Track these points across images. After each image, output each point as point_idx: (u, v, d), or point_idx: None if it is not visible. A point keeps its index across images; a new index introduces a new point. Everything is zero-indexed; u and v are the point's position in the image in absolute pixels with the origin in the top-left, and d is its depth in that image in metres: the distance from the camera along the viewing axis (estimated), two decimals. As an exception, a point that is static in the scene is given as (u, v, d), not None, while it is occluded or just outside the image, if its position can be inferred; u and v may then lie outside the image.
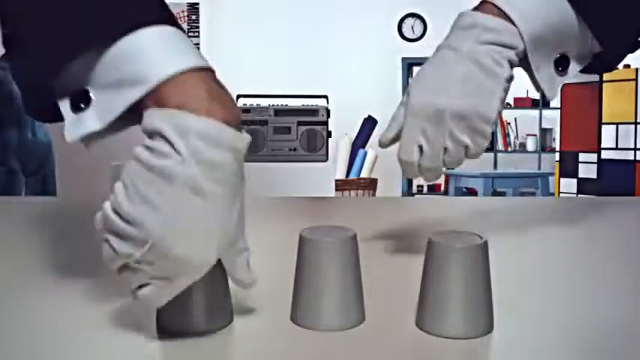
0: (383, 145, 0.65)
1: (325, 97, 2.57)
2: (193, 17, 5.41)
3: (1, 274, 0.60)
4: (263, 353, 0.40)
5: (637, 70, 4.04)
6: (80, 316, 0.46)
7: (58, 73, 0.43)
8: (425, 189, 5.34)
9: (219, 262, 0.41)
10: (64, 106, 0.44)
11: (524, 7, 0.59)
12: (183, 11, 5.41)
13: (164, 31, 0.42)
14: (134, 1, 0.43)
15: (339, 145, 4.20)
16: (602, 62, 0.65)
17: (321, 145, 2.43)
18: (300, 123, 2.42)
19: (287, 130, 2.41)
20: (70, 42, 0.42)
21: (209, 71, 0.42)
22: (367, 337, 0.42)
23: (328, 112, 2.46)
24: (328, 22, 5.33)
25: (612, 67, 0.67)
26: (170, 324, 0.42)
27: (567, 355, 0.41)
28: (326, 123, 2.44)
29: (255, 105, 2.47)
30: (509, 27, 0.59)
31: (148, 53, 0.41)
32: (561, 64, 0.63)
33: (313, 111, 2.44)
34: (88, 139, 0.44)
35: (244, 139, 0.40)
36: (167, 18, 0.44)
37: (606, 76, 4.21)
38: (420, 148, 0.61)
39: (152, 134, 0.39)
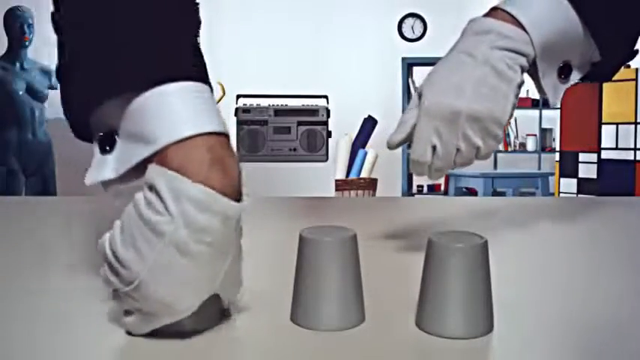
0: (392, 147, 0.65)
1: (325, 97, 2.57)
2: (193, 17, 5.41)
3: (0, 274, 0.60)
4: (263, 353, 0.40)
5: (637, 70, 4.04)
6: (80, 316, 0.46)
7: (92, 110, 0.45)
8: (425, 189, 5.34)
9: None
10: (95, 145, 0.46)
11: (535, 15, 0.61)
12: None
13: (188, 88, 0.43)
14: (173, 53, 0.44)
15: (339, 145, 4.20)
16: (600, 71, 0.67)
17: (321, 145, 2.43)
18: (300, 123, 2.42)
19: (287, 130, 2.41)
20: (107, 82, 0.44)
21: (221, 136, 0.43)
22: (367, 337, 0.42)
23: (328, 112, 2.46)
24: (328, 22, 5.33)
25: (609, 77, 0.68)
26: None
27: (567, 355, 0.41)
28: (326, 123, 2.45)
29: (255, 105, 2.47)
30: (522, 34, 0.60)
31: (165, 113, 0.42)
32: (563, 72, 0.65)
33: (313, 111, 2.44)
34: (106, 184, 0.45)
35: (237, 207, 0.41)
36: (200, 74, 0.45)
37: (606, 76, 4.21)
38: (433, 148, 0.62)
39: (150, 187, 0.41)
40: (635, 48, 0.67)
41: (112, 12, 0.44)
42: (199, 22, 0.48)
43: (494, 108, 0.60)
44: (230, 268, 0.42)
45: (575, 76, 0.66)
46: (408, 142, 0.64)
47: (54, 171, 3.46)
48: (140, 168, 0.43)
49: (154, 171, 0.41)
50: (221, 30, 5.35)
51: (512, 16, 0.61)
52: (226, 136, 0.43)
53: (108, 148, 0.45)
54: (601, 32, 0.63)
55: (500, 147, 5.31)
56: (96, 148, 0.46)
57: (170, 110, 0.42)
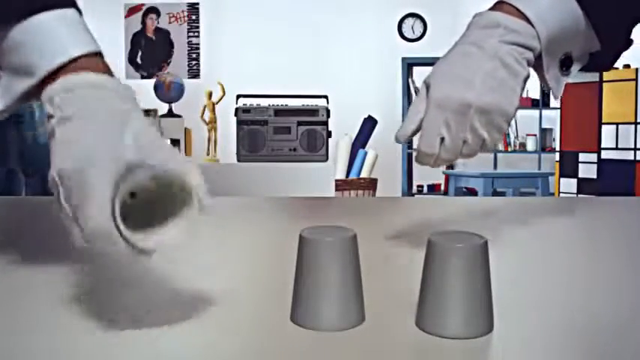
0: (401, 140, 0.65)
1: (325, 97, 2.57)
2: (193, 17, 5.42)
3: (0, 273, 0.60)
4: (263, 353, 0.40)
5: (637, 70, 4.05)
6: (80, 316, 0.46)
7: None
8: (425, 189, 5.34)
9: None
10: None
11: (541, 9, 0.62)
12: (183, 11, 5.41)
13: (60, 15, 0.48)
14: None
15: (339, 145, 4.21)
16: (599, 61, 0.68)
17: (321, 145, 2.43)
18: (300, 123, 2.42)
19: (287, 130, 2.42)
20: None
21: (97, 55, 0.49)
22: (367, 337, 0.42)
23: (328, 112, 2.46)
24: (328, 22, 5.33)
25: (609, 67, 0.70)
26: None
27: (567, 355, 0.41)
28: (326, 123, 2.45)
29: (255, 105, 2.47)
30: (529, 29, 0.61)
31: (41, 43, 0.47)
32: (565, 64, 0.66)
33: (313, 111, 2.44)
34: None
35: (128, 86, 0.47)
36: (68, 1, 0.50)
37: (606, 76, 4.22)
38: (442, 139, 0.62)
39: (52, 98, 0.46)
40: (630, 37, 0.69)
41: None
42: None
43: (502, 101, 0.61)
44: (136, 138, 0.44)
45: (575, 68, 0.67)
46: (414, 135, 0.64)
47: (54, 171, 3.45)
48: (24, 97, 0.49)
49: (47, 90, 0.46)
50: (221, 30, 5.35)
51: (518, 10, 0.62)
52: (101, 54, 0.49)
53: None
54: (601, 22, 0.64)
55: (500, 147, 5.31)
56: None
57: (43, 41, 0.47)
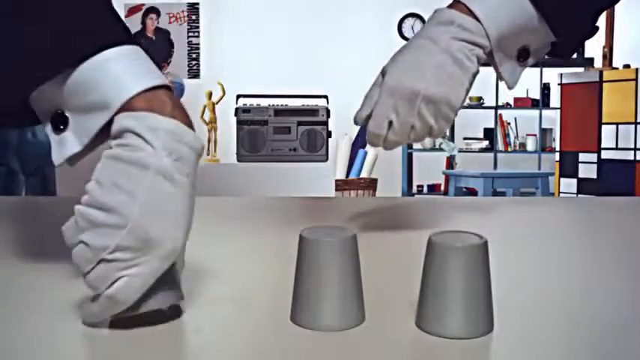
0: (359, 122, 0.71)
1: (325, 97, 2.57)
2: (193, 17, 5.41)
3: (0, 273, 0.60)
4: (263, 353, 0.40)
5: (637, 70, 4.04)
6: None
7: (26, 97, 0.48)
8: (425, 189, 5.34)
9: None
10: (48, 128, 0.49)
11: (491, 8, 0.66)
12: (183, 11, 5.41)
13: (125, 51, 0.46)
14: (95, 23, 0.47)
15: (339, 145, 4.20)
16: (560, 51, 0.72)
17: (321, 145, 2.43)
18: (300, 123, 2.42)
19: (287, 130, 2.41)
20: (37, 67, 0.46)
21: (167, 88, 0.46)
22: (367, 337, 0.42)
23: (328, 112, 2.46)
24: (328, 22, 5.33)
25: (569, 56, 0.73)
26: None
27: (567, 355, 0.41)
28: (326, 123, 2.45)
29: (255, 105, 2.47)
30: (480, 28, 0.66)
31: (111, 78, 0.45)
32: (522, 56, 0.70)
33: (313, 111, 2.44)
34: (72, 159, 0.49)
35: (201, 141, 0.45)
36: (128, 37, 0.48)
37: (606, 76, 4.22)
38: (390, 123, 0.67)
39: (122, 133, 0.43)
40: (596, 25, 0.72)
41: None
42: None
43: (449, 93, 0.66)
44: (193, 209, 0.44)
45: (533, 59, 0.71)
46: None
47: (54, 171, 3.45)
48: (99, 136, 0.47)
49: (123, 117, 0.44)
50: (221, 30, 5.35)
51: (470, 9, 0.66)
52: (169, 88, 0.47)
53: (62, 127, 0.48)
54: (555, 18, 0.67)
55: (501, 147, 5.31)
56: (49, 133, 0.49)
57: (114, 74, 0.45)
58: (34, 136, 3.57)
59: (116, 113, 0.44)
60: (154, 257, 0.41)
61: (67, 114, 0.47)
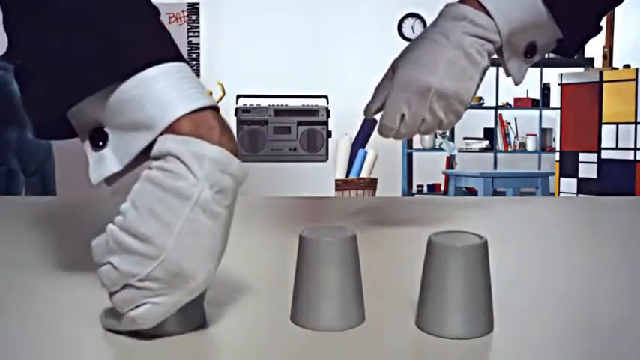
0: (368, 115, 0.73)
1: (325, 97, 2.57)
2: (193, 17, 5.41)
3: (0, 273, 0.60)
4: (263, 353, 0.40)
5: (637, 70, 4.04)
6: (79, 316, 0.46)
7: (67, 110, 0.45)
8: (425, 189, 5.34)
9: None
10: (86, 146, 0.46)
11: (502, 7, 0.67)
12: (183, 11, 5.41)
13: (171, 69, 0.43)
14: (142, 36, 0.44)
15: (339, 145, 4.20)
16: (565, 47, 0.72)
17: (321, 145, 2.43)
18: (300, 123, 2.42)
19: (287, 130, 2.41)
20: (80, 81, 0.43)
21: (214, 109, 0.43)
22: (367, 337, 0.42)
23: (328, 112, 2.46)
24: (328, 22, 5.33)
25: (573, 54, 0.73)
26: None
27: (567, 355, 0.41)
28: (326, 123, 2.45)
29: (255, 105, 2.47)
30: (492, 24, 0.67)
31: (157, 97, 0.42)
32: (529, 52, 0.71)
33: (313, 111, 2.44)
34: (110, 179, 0.45)
35: (245, 171, 0.42)
36: (175, 52, 0.44)
37: (606, 76, 4.21)
38: (402, 116, 0.69)
39: (165, 157, 0.41)
40: (600, 24, 0.72)
41: (72, 5, 0.43)
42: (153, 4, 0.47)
43: (460, 87, 0.67)
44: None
45: (539, 55, 0.72)
46: (381, 111, 0.71)
47: (54, 171, 3.45)
48: (139, 157, 0.44)
49: (167, 139, 0.41)
50: (221, 30, 5.35)
51: (482, 5, 0.67)
52: (217, 108, 0.44)
53: (101, 143, 0.45)
54: (563, 15, 0.68)
55: (501, 147, 5.31)
56: (88, 150, 0.45)
57: (160, 93, 0.42)
58: (34, 137, 3.56)
59: (160, 134, 0.41)
60: (183, 290, 0.40)
61: (106, 130, 0.45)
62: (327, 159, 2.45)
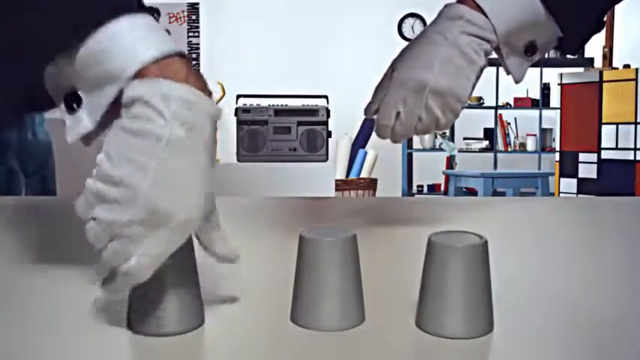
0: (368, 114, 0.73)
1: (325, 97, 2.57)
2: (193, 17, 5.41)
3: (0, 273, 0.60)
4: (263, 353, 0.40)
5: (637, 70, 4.04)
6: (79, 315, 0.46)
7: (37, 79, 0.46)
8: (425, 189, 5.34)
9: (190, 267, 0.42)
10: (62, 110, 0.47)
11: (498, 7, 0.67)
12: (183, 11, 5.41)
13: (135, 20, 0.44)
14: None
15: (339, 145, 4.20)
16: (567, 45, 0.72)
17: (321, 145, 2.42)
18: (300, 123, 2.42)
19: (287, 130, 2.41)
20: (44, 46, 0.45)
21: (181, 55, 0.44)
22: (367, 337, 0.42)
23: (328, 112, 2.46)
24: (328, 22, 5.33)
25: (576, 51, 0.73)
26: (142, 327, 0.42)
27: (567, 355, 0.41)
28: (326, 123, 2.44)
29: (255, 105, 2.47)
30: (489, 24, 0.67)
31: (123, 47, 0.43)
32: (529, 50, 0.70)
33: (313, 111, 2.44)
34: (87, 138, 0.47)
35: (219, 108, 0.43)
36: (141, 6, 0.46)
37: (606, 76, 4.21)
38: (397, 114, 0.69)
39: (133, 102, 0.41)
40: (602, 20, 0.72)
41: None
42: None
43: (456, 85, 0.67)
44: (212, 186, 0.43)
45: (540, 54, 0.71)
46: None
47: (54, 171, 3.44)
48: (114, 111, 0.44)
49: (135, 84, 0.42)
50: (221, 30, 5.35)
51: (479, 5, 0.67)
52: (184, 55, 0.45)
53: (75, 105, 0.46)
54: (561, 14, 0.68)
55: (501, 147, 5.31)
56: (63, 113, 0.47)
57: (126, 43, 0.43)
58: (34, 136, 3.57)
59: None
60: (167, 230, 0.40)
61: (80, 93, 0.46)
62: (327, 159, 2.45)
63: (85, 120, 0.46)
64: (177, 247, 0.41)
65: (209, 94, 0.43)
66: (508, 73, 0.72)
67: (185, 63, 0.43)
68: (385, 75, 0.72)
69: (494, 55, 0.70)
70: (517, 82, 0.72)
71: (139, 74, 0.42)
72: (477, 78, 0.68)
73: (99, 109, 0.45)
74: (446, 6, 0.70)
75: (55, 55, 0.44)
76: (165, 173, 0.40)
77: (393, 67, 0.71)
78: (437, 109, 0.67)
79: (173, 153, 0.40)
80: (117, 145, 0.41)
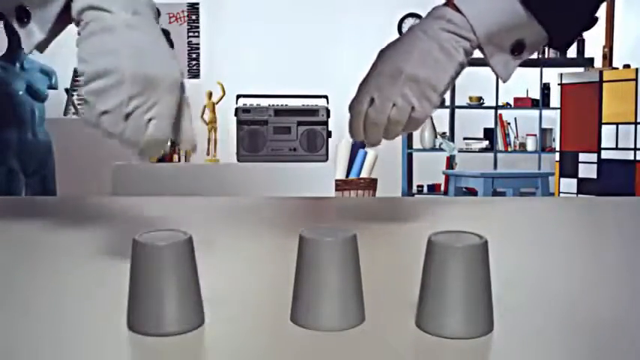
0: (349, 110, 0.72)
1: (325, 97, 2.57)
2: (193, 17, 5.41)
3: (0, 273, 0.60)
4: (263, 353, 0.40)
5: (637, 70, 4.04)
6: (78, 315, 0.46)
7: None
8: (425, 189, 5.34)
9: (190, 267, 0.42)
10: (14, 24, 0.55)
11: (477, 11, 0.68)
12: (183, 11, 5.40)
13: None
14: None
15: (339, 145, 4.20)
16: (556, 43, 0.72)
17: (321, 145, 2.43)
18: (300, 123, 2.42)
19: (287, 130, 2.41)
20: None
21: None
22: (367, 337, 0.42)
23: (328, 112, 2.46)
24: (328, 22, 5.33)
25: (565, 49, 0.73)
26: (141, 327, 0.42)
27: (567, 355, 0.41)
28: (326, 123, 2.45)
29: (255, 105, 2.47)
30: (467, 24, 0.68)
31: None
32: (517, 49, 0.70)
33: (313, 111, 2.44)
34: (41, 47, 0.56)
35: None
36: None
37: (606, 76, 4.21)
38: (372, 101, 0.69)
39: (82, 11, 0.51)
40: (595, 16, 0.71)
41: None
42: None
43: (432, 75, 0.67)
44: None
45: (529, 51, 0.71)
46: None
47: (54, 171, 3.45)
48: (62, 20, 0.54)
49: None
50: (221, 30, 5.35)
51: (458, 8, 0.68)
52: None
53: (25, 19, 0.55)
54: (545, 17, 0.68)
55: (501, 147, 5.31)
56: (17, 27, 0.55)
57: None
58: (34, 136, 3.57)
59: None
60: (163, 91, 0.50)
61: (27, 9, 0.54)
62: (327, 159, 2.45)
63: (36, 32, 0.55)
64: (174, 110, 0.52)
65: None
66: (494, 72, 0.72)
67: None
68: (368, 72, 0.73)
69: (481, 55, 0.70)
70: (504, 81, 0.72)
71: None
72: (457, 74, 0.69)
73: (48, 21, 0.54)
74: (433, 8, 0.72)
75: None
76: (134, 48, 0.49)
77: (374, 62, 0.72)
78: (412, 97, 0.67)
79: (131, 32, 0.50)
80: (85, 50, 0.50)
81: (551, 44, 0.72)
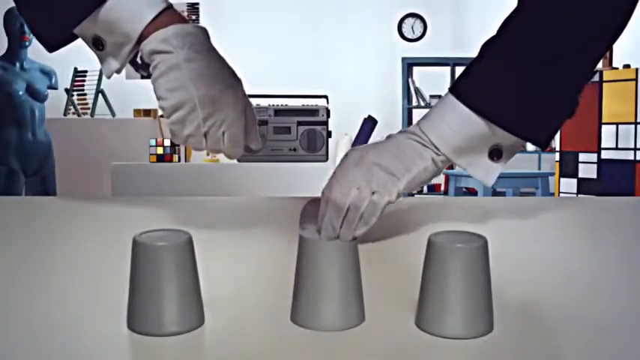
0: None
1: (325, 97, 2.57)
2: (193, 17, 5.41)
3: (0, 273, 0.60)
4: (263, 353, 0.40)
5: (637, 70, 4.04)
6: (78, 315, 0.46)
7: (66, 36, 0.68)
8: (425, 189, 5.34)
9: (190, 267, 0.42)
10: (92, 48, 0.69)
11: (442, 136, 0.65)
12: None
13: None
14: None
15: (339, 145, 4.20)
16: (536, 141, 0.67)
17: (321, 145, 2.42)
18: (300, 123, 2.41)
19: (287, 130, 2.41)
20: (74, 8, 0.66)
21: (170, 7, 0.65)
22: (367, 337, 0.42)
23: (328, 112, 2.46)
24: (328, 22, 5.33)
25: (547, 143, 0.68)
26: (142, 327, 0.42)
27: (567, 355, 0.41)
28: (326, 123, 2.44)
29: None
30: (432, 144, 0.66)
31: (127, 11, 0.64)
32: (495, 154, 0.68)
33: (313, 111, 2.44)
34: (118, 72, 0.69)
35: (201, 27, 0.66)
36: None
37: (606, 76, 4.22)
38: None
39: (151, 56, 0.64)
40: (574, 102, 0.67)
41: None
42: None
43: (397, 165, 0.64)
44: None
45: (508, 155, 0.69)
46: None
47: (54, 171, 3.45)
48: (131, 52, 0.67)
49: (145, 45, 0.64)
50: (221, 30, 5.35)
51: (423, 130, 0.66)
52: (171, 6, 0.66)
53: (101, 47, 0.68)
54: (520, 130, 0.66)
55: (500, 147, 5.30)
56: (93, 49, 0.68)
57: (130, 6, 0.64)
58: (34, 136, 3.57)
59: (137, 41, 0.65)
60: (228, 106, 0.64)
61: (103, 39, 0.67)
62: (327, 159, 2.45)
63: (112, 62, 0.68)
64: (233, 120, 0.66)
65: (186, 21, 0.65)
66: (477, 179, 0.70)
67: (173, 12, 0.65)
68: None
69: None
70: (488, 185, 0.70)
71: (145, 32, 0.64)
72: (425, 175, 0.66)
73: (121, 58, 0.68)
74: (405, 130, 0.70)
75: (83, 17, 0.66)
76: (197, 78, 0.62)
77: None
78: (374, 182, 0.64)
79: (192, 65, 0.62)
80: (159, 89, 0.63)
81: (533, 143, 0.68)
